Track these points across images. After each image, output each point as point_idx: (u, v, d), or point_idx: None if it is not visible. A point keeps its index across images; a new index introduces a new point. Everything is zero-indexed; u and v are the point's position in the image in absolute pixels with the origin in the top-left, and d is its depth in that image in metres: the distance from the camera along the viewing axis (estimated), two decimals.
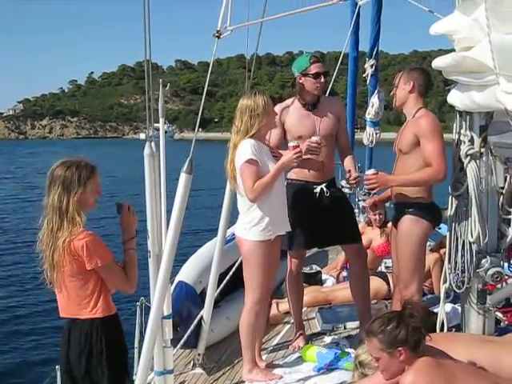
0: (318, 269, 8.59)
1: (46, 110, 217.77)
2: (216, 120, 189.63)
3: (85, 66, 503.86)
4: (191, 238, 19.52)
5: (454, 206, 5.05)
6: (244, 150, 5.10)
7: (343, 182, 9.03)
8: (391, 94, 5.52)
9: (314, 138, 5.46)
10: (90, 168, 4.08)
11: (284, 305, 7.12)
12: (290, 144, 5.29)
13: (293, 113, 5.83)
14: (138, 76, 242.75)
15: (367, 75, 9.66)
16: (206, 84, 5.63)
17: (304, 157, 5.30)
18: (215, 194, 26.19)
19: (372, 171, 5.36)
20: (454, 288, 5.04)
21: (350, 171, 5.78)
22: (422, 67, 5.85)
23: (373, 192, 5.82)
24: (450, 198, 5.08)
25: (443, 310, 5.17)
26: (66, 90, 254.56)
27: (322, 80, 5.72)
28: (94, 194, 4.11)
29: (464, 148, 4.92)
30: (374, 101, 9.30)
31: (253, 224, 5.18)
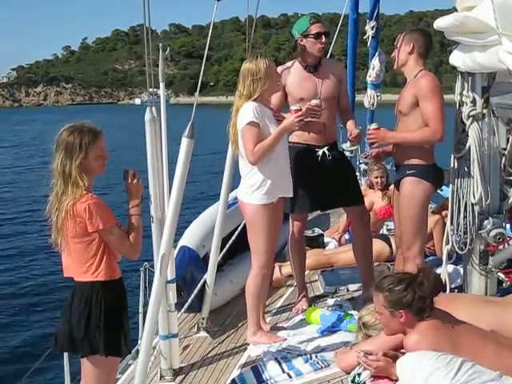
0: (320, 232, 8.62)
1: (41, 77, 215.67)
2: (211, 84, 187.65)
3: (78, 31, 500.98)
4: (193, 203, 19.52)
5: (456, 167, 5.06)
6: (245, 113, 5.08)
7: (345, 145, 9.04)
8: (392, 55, 5.48)
9: (314, 101, 5.43)
10: (92, 133, 4.08)
11: (287, 268, 7.14)
12: (292, 107, 5.26)
13: (294, 75, 5.80)
14: (132, 41, 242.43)
15: (368, 37, 9.58)
16: (206, 50, 5.55)
17: (305, 120, 5.28)
18: (217, 159, 26.11)
19: (374, 126, 5.35)
20: (457, 249, 5.07)
21: (351, 130, 5.79)
22: (422, 28, 5.80)
23: (373, 148, 5.79)
24: (452, 159, 5.09)
25: (446, 271, 5.20)
26: (60, 57, 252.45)
27: (324, 40, 5.67)
28: (97, 160, 4.10)
29: (466, 109, 4.92)
30: (375, 63, 9.22)
31: (255, 188, 5.18)
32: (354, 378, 4.22)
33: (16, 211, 24.18)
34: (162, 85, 4.88)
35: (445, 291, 4.12)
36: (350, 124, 5.95)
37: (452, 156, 5.11)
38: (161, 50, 4.82)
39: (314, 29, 5.67)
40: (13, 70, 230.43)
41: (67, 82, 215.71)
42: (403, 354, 3.99)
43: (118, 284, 4.22)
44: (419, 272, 4.06)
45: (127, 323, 4.30)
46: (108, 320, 4.08)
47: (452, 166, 5.11)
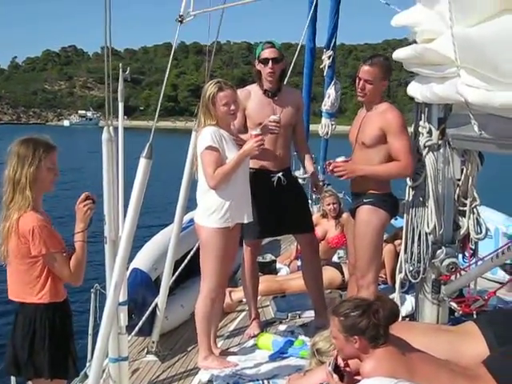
0: (273, 258, 8.61)
1: None
2: (141, 108, 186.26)
3: (8, 50, 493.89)
4: (146, 225, 19.29)
5: (411, 196, 5.11)
6: (204, 138, 5.09)
7: (298, 173, 9.08)
8: (360, 88, 5.31)
9: (273, 117, 5.47)
10: (47, 145, 4.05)
11: (237, 293, 7.12)
12: (253, 132, 5.26)
13: (253, 99, 5.84)
14: (62, 62, 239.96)
15: (324, 66, 9.68)
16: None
17: (265, 138, 5.29)
18: (159, 182, 25.95)
19: (342, 158, 5.35)
20: (410, 278, 5.10)
21: (310, 171, 6.05)
22: (387, 57, 5.80)
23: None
24: (408, 188, 5.14)
25: (398, 299, 5.23)
26: None
27: (271, 65, 5.71)
28: (49, 172, 4.05)
29: (422, 139, 5.00)
30: (331, 92, 9.34)
31: (211, 211, 5.16)
32: None
33: None
34: (120, 104, 4.83)
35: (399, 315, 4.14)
36: (307, 163, 6.14)
37: (407, 186, 5.16)
38: (120, 70, 4.78)
39: (263, 54, 5.76)
40: None
41: None
42: (358, 381, 3.98)
43: (63, 306, 4.14)
44: (376, 299, 4.07)
45: (73, 346, 4.22)
46: (53, 343, 4.00)
47: (407, 195, 5.15)
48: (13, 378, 5.22)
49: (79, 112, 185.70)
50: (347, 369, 4.10)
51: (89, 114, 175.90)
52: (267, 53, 5.74)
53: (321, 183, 5.96)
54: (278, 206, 5.85)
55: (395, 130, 5.14)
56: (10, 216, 3.91)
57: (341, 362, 4.13)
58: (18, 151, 3.98)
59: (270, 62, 5.71)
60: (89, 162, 44.32)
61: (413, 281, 5.13)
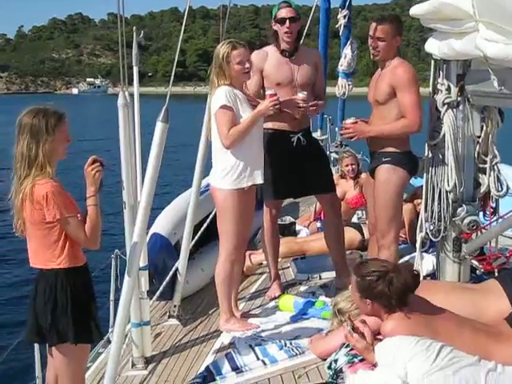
0: (292, 220, 8.62)
1: None
2: (150, 74, 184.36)
3: (14, 19, 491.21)
4: (164, 190, 19.34)
5: (430, 155, 5.06)
6: (218, 97, 5.05)
7: (315, 134, 9.03)
8: (373, 46, 5.30)
9: (301, 95, 5.45)
10: (57, 115, 3.99)
11: (257, 256, 7.13)
12: (268, 92, 5.24)
13: (271, 60, 5.79)
14: (69, 30, 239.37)
15: (340, 26, 9.55)
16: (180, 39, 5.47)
17: (287, 110, 5.26)
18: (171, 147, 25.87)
19: (352, 120, 5.32)
20: (431, 237, 5.07)
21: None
22: (397, 16, 5.76)
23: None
24: (427, 146, 5.09)
25: (419, 259, 5.20)
26: None
27: (288, 25, 5.66)
28: (62, 142, 4.02)
29: (441, 97, 4.92)
30: (347, 52, 9.18)
31: (225, 172, 5.13)
32: (331, 364, 4.21)
33: None
34: (135, 68, 4.82)
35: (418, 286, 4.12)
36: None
37: (426, 144, 5.11)
38: (134, 34, 4.76)
39: (280, 14, 5.71)
40: None
41: (3, 70, 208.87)
42: (380, 340, 3.99)
43: (84, 271, 4.14)
44: (393, 269, 4.05)
45: (96, 310, 4.24)
46: (75, 308, 4.00)
47: (426, 153, 5.10)
48: (36, 346, 5.28)
49: (87, 80, 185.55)
50: (364, 330, 4.11)
51: (97, 81, 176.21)
52: (284, 12, 5.69)
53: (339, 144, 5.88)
54: (298, 166, 5.83)
55: (403, 85, 5.11)
56: (23, 188, 3.88)
57: (358, 324, 4.15)
58: (29, 126, 3.91)
59: (287, 21, 5.66)
60: (101, 130, 44.39)
61: (434, 239, 5.10)
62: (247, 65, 5.12)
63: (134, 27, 4.79)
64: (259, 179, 5.24)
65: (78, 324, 4.01)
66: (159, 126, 4.42)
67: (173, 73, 5.32)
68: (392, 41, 5.24)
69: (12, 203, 3.99)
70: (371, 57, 5.40)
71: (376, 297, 3.97)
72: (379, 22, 5.25)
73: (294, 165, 5.81)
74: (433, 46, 4.80)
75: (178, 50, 5.50)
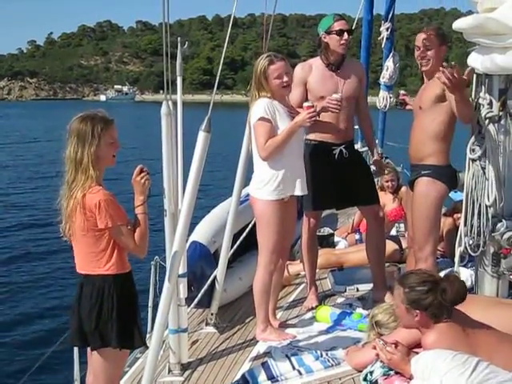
0: (331, 231, 8.62)
1: (5, 71, 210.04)
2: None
3: (44, 26, 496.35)
4: (204, 199, 19.44)
5: (470, 169, 5.04)
6: (257, 109, 5.10)
7: (356, 146, 9.04)
8: (421, 56, 5.31)
9: (335, 96, 5.44)
10: (104, 120, 4.05)
11: (295, 267, 7.15)
12: (305, 104, 5.25)
13: (316, 72, 5.81)
14: (98, 37, 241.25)
15: (382, 38, 9.57)
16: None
17: (324, 114, 5.29)
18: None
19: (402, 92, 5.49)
20: (469, 251, 5.05)
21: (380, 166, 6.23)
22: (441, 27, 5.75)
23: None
24: (467, 161, 5.06)
25: (458, 272, 5.18)
26: (25, 51, 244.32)
27: (346, 37, 5.69)
28: (109, 148, 4.08)
29: (483, 111, 4.89)
30: (389, 64, 9.22)
31: (265, 183, 5.16)
32: (366, 376, 4.22)
33: None
34: (179, 78, 4.89)
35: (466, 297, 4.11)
36: (372, 146, 6.33)
37: (467, 158, 5.09)
38: (179, 44, 4.82)
39: (337, 26, 5.71)
40: None
41: (32, 76, 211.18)
42: (417, 353, 3.99)
43: (129, 277, 4.21)
44: (445, 279, 4.05)
45: (139, 317, 4.29)
46: (120, 313, 4.05)
47: (467, 167, 5.09)
48: (75, 350, 5.36)
49: (115, 87, 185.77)
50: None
51: (125, 88, 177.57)
52: (341, 24, 5.72)
53: (379, 156, 5.92)
54: (339, 178, 5.86)
55: None
56: (73, 195, 3.94)
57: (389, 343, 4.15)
58: (76, 130, 3.99)
59: (345, 33, 5.70)
60: (134, 138, 44.37)
61: (472, 254, 5.07)
62: (285, 78, 5.13)
63: (179, 38, 4.84)
64: (298, 191, 5.27)
65: (121, 329, 4.06)
66: (201, 136, 4.49)
67: (216, 82, 5.39)
68: (439, 49, 5.25)
69: (61, 206, 4.06)
70: (420, 69, 5.41)
71: (427, 307, 3.96)
72: (424, 31, 5.29)
73: (335, 176, 5.85)
74: (475, 61, 4.79)
75: (222, 58, 5.57)
